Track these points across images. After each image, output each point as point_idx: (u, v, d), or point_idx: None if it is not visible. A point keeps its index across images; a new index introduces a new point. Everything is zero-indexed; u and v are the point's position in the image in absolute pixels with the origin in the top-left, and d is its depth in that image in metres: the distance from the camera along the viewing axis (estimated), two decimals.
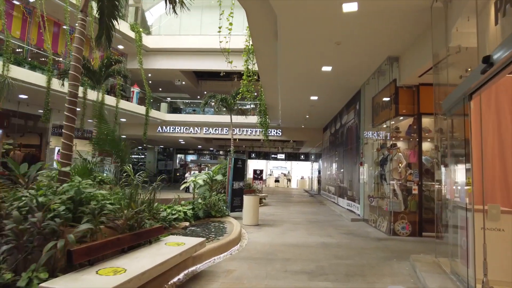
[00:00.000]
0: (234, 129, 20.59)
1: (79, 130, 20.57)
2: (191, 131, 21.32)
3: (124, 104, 17.86)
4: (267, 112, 16.23)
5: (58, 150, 18.40)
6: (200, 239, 4.85)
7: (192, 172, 21.74)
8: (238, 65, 12.62)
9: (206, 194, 8.87)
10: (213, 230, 7.19)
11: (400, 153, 8.20)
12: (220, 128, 21.10)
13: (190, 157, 33.95)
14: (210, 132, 21.19)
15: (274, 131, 20.75)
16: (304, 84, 10.91)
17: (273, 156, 32.35)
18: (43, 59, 15.19)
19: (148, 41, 21.05)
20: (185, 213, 7.59)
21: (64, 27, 15.62)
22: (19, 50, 14.70)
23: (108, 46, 6.84)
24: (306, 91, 11.89)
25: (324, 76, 9.83)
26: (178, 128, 21.49)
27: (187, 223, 7.31)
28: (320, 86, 11.19)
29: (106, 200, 4.41)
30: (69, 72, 4.87)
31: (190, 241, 4.67)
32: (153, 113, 19.99)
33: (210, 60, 21.00)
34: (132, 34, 19.73)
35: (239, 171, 10.25)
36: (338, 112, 15.35)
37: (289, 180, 32.28)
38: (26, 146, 17.62)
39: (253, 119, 19.14)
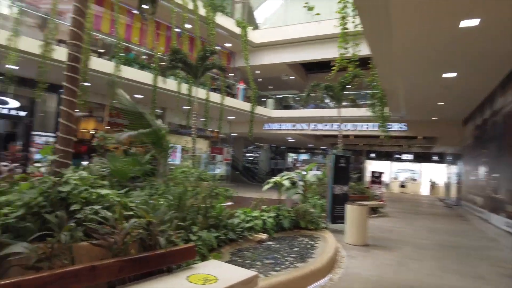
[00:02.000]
0: (346, 124, 18.06)
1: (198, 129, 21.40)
2: (297, 128, 19.68)
3: (229, 101, 17.49)
4: (385, 101, 13.23)
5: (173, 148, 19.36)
6: (248, 274, 3.07)
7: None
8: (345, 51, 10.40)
9: (294, 198, 7.04)
10: (296, 249, 5.31)
11: None
12: (330, 124, 18.81)
13: (302, 156, 32.42)
14: (318, 128, 19.12)
15: (396, 125, 17.26)
16: (434, 53, 7.88)
17: (397, 156, 27.92)
18: (144, 56, 15.97)
19: (255, 36, 20.40)
20: (264, 221, 5.93)
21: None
22: (135, 53, 15.72)
23: None
24: (438, 65, 8.72)
25: (465, 37, 6.75)
26: (284, 124, 20.16)
27: (264, 236, 5.63)
28: (458, 56, 7.94)
29: (109, 202, 3.08)
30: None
31: (229, 276, 2.96)
32: (259, 109, 19.15)
33: (318, 49, 19.00)
34: (238, 30, 19.35)
35: (342, 172, 8.04)
36: (488, 94, 11.29)
37: (418, 185, 27.30)
38: (145, 143, 19.04)
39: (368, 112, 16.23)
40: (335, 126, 18.52)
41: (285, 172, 7.47)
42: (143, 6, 6.40)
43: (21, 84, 12.70)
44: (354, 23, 6.70)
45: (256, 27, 22.29)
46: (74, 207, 2.63)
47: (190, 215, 4.65)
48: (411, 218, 11.66)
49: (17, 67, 11.25)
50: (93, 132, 15.16)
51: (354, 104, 14.69)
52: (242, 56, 19.64)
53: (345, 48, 7.62)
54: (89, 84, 12.52)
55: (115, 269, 2.44)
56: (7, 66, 10.83)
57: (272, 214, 6.22)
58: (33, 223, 2.44)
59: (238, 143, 27.30)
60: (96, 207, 2.72)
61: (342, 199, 7.97)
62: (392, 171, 28.89)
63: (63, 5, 13.76)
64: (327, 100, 19.21)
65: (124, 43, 15.12)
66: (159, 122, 5.62)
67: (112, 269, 2.42)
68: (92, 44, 14.57)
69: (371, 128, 17.77)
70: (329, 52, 18.41)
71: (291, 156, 33.10)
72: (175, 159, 19.26)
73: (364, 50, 8.07)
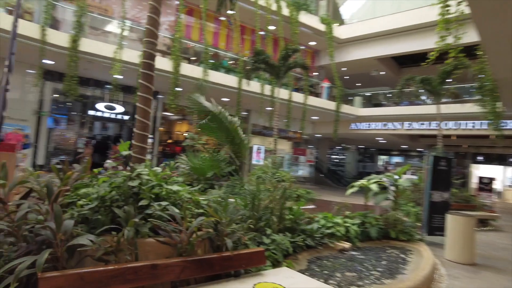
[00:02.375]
0: (446, 122, 15.93)
1: (280, 130, 21.44)
2: (389, 127, 18.07)
3: (312, 101, 16.99)
4: (497, 94, 11.17)
5: (257, 148, 19.67)
6: None
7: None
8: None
9: (383, 204, 6.27)
10: (384, 262, 4.67)
11: None
12: (427, 122, 16.80)
13: (394, 159, 29.85)
14: (413, 127, 17.25)
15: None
16: None
17: None
18: (231, 62, 16.40)
19: (340, 32, 19.50)
20: (347, 228, 5.40)
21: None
22: (228, 60, 16.39)
23: None
24: None
25: None
26: (373, 124, 18.73)
27: (347, 244, 5.10)
28: None
29: (181, 199, 3.02)
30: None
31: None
32: (344, 108, 18.17)
33: (412, 40, 17.19)
34: (323, 28, 18.73)
35: (443, 176, 6.92)
36: None
37: None
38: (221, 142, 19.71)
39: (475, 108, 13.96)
40: (434, 124, 16.50)
41: (373, 175, 6.75)
42: (222, 7, 6.44)
43: (125, 92, 14.32)
44: (457, 5, 5.68)
45: (341, 22, 21.30)
46: (142, 202, 2.62)
47: (265, 216, 4.44)
48: None
49: (121, 77, 12.68)
50: (185, 134, 16.15)
51: (457, 99, 12.77)
52: (327, 54, 18.96)
53: (443, 36, 6.58)
54: (181, 89, 13.47)
55: (177, 270, 2.33)
56: (114, 76, 12.31)
57: (357, 221, 5.63)
58: (104, 216, 2.48)
59: (323, 144, 26.46)
60: (164, 203, 2.67)
61: (441, 207, 6.87)
62: (506, 177, 24.58)
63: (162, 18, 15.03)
64: (424, 97, 17.24)
65: (213, 49, 15.90)
66: (235, 119, 5.51)
67: (174, 269, 2.32)
68: (183, 52, 15.72)
69: (478, 127, 15.29)
70: (424, 43, 16.51)
71: (381, 159, 30.79)
72: (259, 159, 19.53)
73: (467, 37, 6.88)
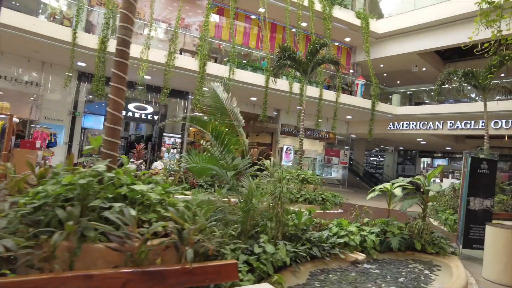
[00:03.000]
0: (497, 121, 14.38)
1: (311, 130, 20.77)
2: (430, 127, 16.70)
3: (345, 99, 16.15)
4: None
5: (287, 149, 19.15)
6: None
7: (432, 180, 17.02)
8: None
9: (413, 211, 5.54)
10: (402, 278, 4.04)
11: None
12: (472, 121, 15.29)
13: (437, 162, 27.76)
14: (457, 127, 15.77)
15: None
16: None
17: None
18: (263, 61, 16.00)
19: (378, 26, 18.43)
20: (364, 237, 4.80)
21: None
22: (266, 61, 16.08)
23: None
24: None
25: None
26: (413, 123, 17.42)
27: (361, 256, 4.52)
28: None
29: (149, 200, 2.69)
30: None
31: None
32: (381, 107, 17.09)
33: (456, 31, 15.74)
34: (358, 22, 17.81)
35: (484, 180, 6.02)
36: None
37: None
38: (261, 144, 19.42)
39: None
40: (481, 124, 14.96)
41: (401, 178, 6.03)
42: None
43: (154, 92, 14.54)
44: None
45: (380, 16, 20.10)
46: (94, 202, 2.32)
47: (263, 221, 4.01)
48: None
49: (149, 77, 12.84)
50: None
51: (510, 95, 11.36)
52: (363, 50, 17.97)
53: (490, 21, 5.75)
54: (207, 89, 13.38)
55: (117, 282, 1.99)
56: (145, 77, 12.51)
57: (376, 230, 5.00)
58: (49, 217, 2.21)
59: (359, 146, 25.27)
60: (118, 204, 2.35)
61: (481, 216, 5.98)
62: None
63: (187, 19, 15.14)
64: (472, 94, 15.75)
65: (240, 47, 15.68)
66: (240, 118, 5.12)
67: (114, 282, 1.98)
68: (213, 52, 15.64)
69: None
70: (471, 34, 15.00)
71: (424, 161, 28.81)
72: (289, 160, 19.00)
73: None
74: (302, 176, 10.89)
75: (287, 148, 18.73)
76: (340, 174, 20.47)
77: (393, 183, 5.57)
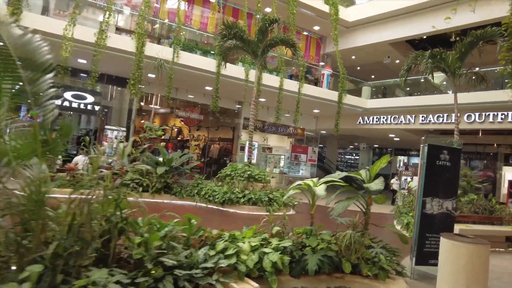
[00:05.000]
0: (470, 114, 13.27)
1: (281, 126, 19.32)
2: (401, 121, 15.49)
3: (309, 90, 14.73)
4: None
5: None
6: None
7: (404, 178, 15.86)
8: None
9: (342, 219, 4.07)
10: None
11: None
12: (445, 115, 14.16)
13: (414, 160, 26.80)
14: (429, 120, 14.61)
15: None
16: None
17: None
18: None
19: (348, 14, 17.11)
20: (265, 257, 3.29)
21: None
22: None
23: None
24: None
25: None
26: (383, 117, 16.19)
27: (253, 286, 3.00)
28: None
29: None
30: None
31: None
32: (350, 99, 15.77)
33: (429, 19, 14.59)
34: (327, 9, 16.43)
35: (444, 176, 4.64)
36: None
37: None
38: (224, 140, 17.84)
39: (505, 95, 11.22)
40: (454, 117, 13.81)
41: (338, 173, 4.58)
42: None
43: (98, 79, 12.82)
44: None
45: (351, 2, 18.81)
46: None
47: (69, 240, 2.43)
48: None
49: (84, 61, 11.12)
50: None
51: (482, 83, 10.09)
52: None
53: None
54: (153, 75, 11.75)
55: None
56: (80, 60, 10.74)
57: (287, 244, 3.49)
58: None
59: (332, 143, 24.03)
60: None
61: (440, 222, 4.58)
62: None
63: None
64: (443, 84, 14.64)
65: (186, 28, 14.05)
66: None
67: None
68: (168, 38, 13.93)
69: (510, 119, 12.50)
70: (445, 23, 13.88)
71: (400, 160, 27.83)
72: (252, 157, 17.47)
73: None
74: (249, 173, 9.38)
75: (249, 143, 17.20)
76: (308, 172, 19.08)
77: (320, 179, 4.09)
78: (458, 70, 9.16)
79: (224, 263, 3.03)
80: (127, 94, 14.41)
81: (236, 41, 9.92)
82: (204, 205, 9.01)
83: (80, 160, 9.56)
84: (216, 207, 8.80)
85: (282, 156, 19.12)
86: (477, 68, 10.29)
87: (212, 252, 3.12)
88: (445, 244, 3.51)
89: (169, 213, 3.40)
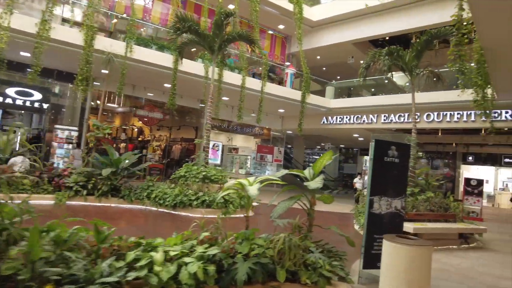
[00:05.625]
0: (430, 114, 13.51)
1: (247, 126, 18.95)
2: (364, 121, 15.58)
3: (273, 89, 14.46)
4: (484, 72, 8.62)
5: (213, 145, 17.13)
6: None
7: (367, 177, 15.90)
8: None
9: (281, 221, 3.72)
10: None
11: None
12: (406, 114, 14.36)
13: None
14: (391, 120, 14.78)
15: (506, 112, 12.01)
16: None
17: (507, 160, 21.22)
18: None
19: (313, 13, 17.03)
20: (179, 268, 2.85)
21: None
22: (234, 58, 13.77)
23: None
24: None
25: None
26: (347, 117, 16.22)
27: None
28: None
29: None
30: None
31: None
32: (313, 99, 15.65)
33: (392, 20, 14.83)
34: (291, 7, 16.24)
35: (392, 173, 4.42)
36: None
37: None
38: (186, 140, 17.21)
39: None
40: (415, 116, 14.01)
41: (283, 171, 4.23)
42: None
43: (47, 75, 11.89)
44: None
45: (316, 1, 18.78)
46: None
47: None
48: None
49: (28, 54, 10.18)
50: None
51: (439, 81, 10.20)
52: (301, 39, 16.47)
53: None
54: (106, 71, 11.00)
55: None
56: (23, 54, 9.82)
57: (214, 251, 3.08)
58: None
59: (299, 143, 23.97)
60: None
61: (389, 223, 4.35)
62: (499, 179, 22.15)
63: None
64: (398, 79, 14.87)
65: (149, 24, 13.40)
66: None
67: None
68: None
69: (465, 119, 12.82)
70: (407, 23, 14.12)
71: (366, 159, 28.27)
72: (217, 157, 16.99)
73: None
74: (204, 173, 8.89)
75: (214, 144, 16.73)
76: (274, 173, 18.84)
77: (257, 177, 3.71)
78: (415, 68, 9.16)
79: (131, 275, 2.57)
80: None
81: (191, 35, 9.43)
82: (154, 208, 8.44)
83: (17, 161, 8.69)
84: (167, 211, 8.25)
85: (249, 157, 18.76)
86: (436, 70, 10.39)
87: (119, 264, 2.64)
88: (387, 246, 3.24)
89: (72, 219, 2.89)
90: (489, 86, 9.38)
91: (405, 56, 8.86)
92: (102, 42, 10.45)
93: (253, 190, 3.38)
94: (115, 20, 13.29)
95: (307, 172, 3.98)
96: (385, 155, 4.38)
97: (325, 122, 16.97)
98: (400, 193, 4.48)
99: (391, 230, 4.21)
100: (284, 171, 4.09)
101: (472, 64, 8.55)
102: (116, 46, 10.55)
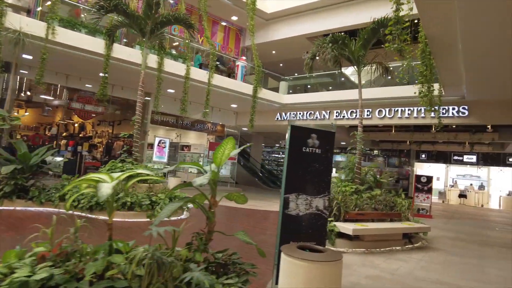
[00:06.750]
0: (382, 110, 13.27)
1: (200, 122, 17.92)
2: (317, 117, 15.14)
3: (221, 81, 13.57)
4: (431, 65, 8.27)
5: (160, 141, 15.95)
6: None
7: None
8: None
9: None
10: None
11: None
12: (357, 110, 13.99)
13: (337, 158, 27.23)
14: (343, 116, 14.42)
15: (453, 109, 11.94)
16: None
17: (456, 158, 21.80)
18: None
19: (267, 5, 16.35)
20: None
21: None
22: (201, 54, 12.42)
23: None
24: None
25: None
26: (300, 113, 15.72)
27: None
28: None
29: None
30: None
31: None
32: (265, 94, 14.97)
33: (346, 13, 14.50)
34: None
35: (312, 167, 3.71)
36: None
37: (485, 195, 20.90)
38: (129, 136, 15.85)
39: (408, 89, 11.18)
40: (366, 113, 13.77)
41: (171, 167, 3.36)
42: None
43: None
44: None
45: None
46: None
47: None
48: (474, 255, 6.72)
49: None
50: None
51: (387, 74, 9.75)
52: (255, 33, 15.66)
53: None
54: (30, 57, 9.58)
55: None
56: None
57: (43, 275, 2.16)
58: None
59: (257, 141, 23.27)
60: None
61: (309, 226, 3.62)
62: (449, 176, 22.75)
63: None
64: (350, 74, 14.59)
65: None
66: None
67: None
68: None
69: (415, 115, 12.67)
70: (361, 17, 13.78)
71: None
72: (163, 155, 15.84)
73: None
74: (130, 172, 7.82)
75: (160, 140, 15.56)
76: (228, 171, 17.99)
77: (124, 172, 2.83)
78: (362, 58, 8.66)
79: None
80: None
81: (118, 15, 8.33)
82: (70, 211, 7.27)
83: None
84: (84, 214, 7.12)
85: (202, 155, 17.76)
86: (384, 63, 10.03)
87: None
88: (284, 262, 2.47)
89: None
90: (435, 80, 9.14)
91: (350, 44, 8.32)
92: (14, 20, 9.03)
93: (106, 188, 2.49)
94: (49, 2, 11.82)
95: (208, 167, 3.15)
96: (303, 144, 3.66)
97: (279, 118, 16.37)
98: (322, 190, 3.77)
99: (312, 235, 3.50)
100: (175, 165, 3.24)
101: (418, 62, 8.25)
102: (34, 27, 9.19)
